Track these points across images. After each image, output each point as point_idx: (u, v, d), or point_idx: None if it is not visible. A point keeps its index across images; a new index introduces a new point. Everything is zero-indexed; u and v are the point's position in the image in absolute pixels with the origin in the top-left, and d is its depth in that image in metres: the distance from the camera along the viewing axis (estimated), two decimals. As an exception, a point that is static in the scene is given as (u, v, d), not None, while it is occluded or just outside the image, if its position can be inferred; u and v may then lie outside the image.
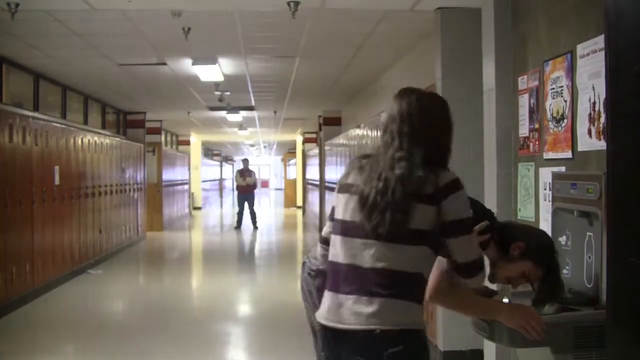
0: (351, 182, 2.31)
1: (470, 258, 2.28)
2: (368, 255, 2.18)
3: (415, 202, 2.16)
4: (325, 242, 2.48)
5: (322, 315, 2.28)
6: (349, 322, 2.17)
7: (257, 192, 18.09)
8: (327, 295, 2.29)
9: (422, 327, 2.22)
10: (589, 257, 2.87)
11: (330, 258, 2.33)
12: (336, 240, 2.30)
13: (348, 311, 2.18)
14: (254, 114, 14.78)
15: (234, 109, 13.47)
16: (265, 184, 47.88)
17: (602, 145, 2.96)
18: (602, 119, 2.98)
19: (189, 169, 21.13)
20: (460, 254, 2.26)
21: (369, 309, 2.15)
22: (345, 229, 2.26)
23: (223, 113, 14.18)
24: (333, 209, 2.39)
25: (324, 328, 2.26)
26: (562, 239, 3.08)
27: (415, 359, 2.19)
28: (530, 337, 2.47)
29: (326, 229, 2.51)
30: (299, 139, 21.96)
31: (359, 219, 2.21)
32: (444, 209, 2.18)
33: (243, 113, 14.57)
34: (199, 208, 23.95)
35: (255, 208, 16.70)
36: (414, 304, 2.19)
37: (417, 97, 2.33)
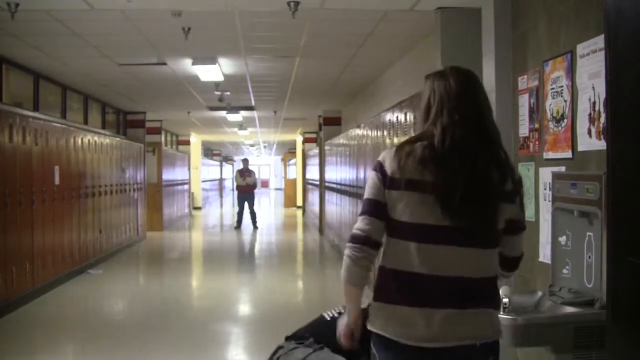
0: (418, 178, 2.04)
1: (522, 250, 2.28)
2: (468, 264, 2.04)
3: (501, 201, 2.06)
4: (373, 245, 2.12)
5: (424, 337, 2.02)
6: (473, 335, 2.03)
7: (257, 192, 18.09)
8: (415, 312, 2.04)
9: None
10: (589, 257, 2.87)
11: (398, 267, 2.08)
12: (410, 247, 2.05)
13: (470, 324, 2.02)
14: (254, 114, 14.78)
15: (234, 109, 13.47)
16: (265, 184, 47.88)
17: (602, 145, 2.96)
18: (602, 119, 2.98)
19: (189, 169, 21.13)
20: (520, 248, 2.26)
21: (491, 320, 2.08)
22: (426, 235, 2.03)
23: (223, 113, 14.18)
24: (384, 206, 2.09)
25: (425, 350, 2.02)
26: (562, 239, 3.08)
27: None
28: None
29: (374, 228, 2.11)
30: (299, 139, 21.95)
31: (448, 223, 2.01)
32: (517, 205, 2.13)
33: (243, 113, 14.57)
34: (199, 208, 23.95)
35: (255, 208, 16.69)
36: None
37: (472, 76, 2.17)
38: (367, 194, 2.13)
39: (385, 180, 2.08)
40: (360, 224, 2.11)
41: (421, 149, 2.04)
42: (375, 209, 2.09)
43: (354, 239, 2.10)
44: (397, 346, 2.05)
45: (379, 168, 2.10)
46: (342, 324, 2.23)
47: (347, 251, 2.12)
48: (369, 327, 2.13)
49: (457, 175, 2.00)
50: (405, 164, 2.04)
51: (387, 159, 2.09)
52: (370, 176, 2.14)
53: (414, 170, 2.03)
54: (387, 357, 2.09)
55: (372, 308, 2.13)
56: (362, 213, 2.12)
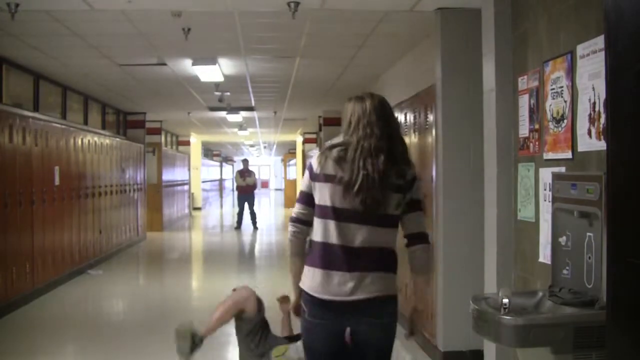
0: (332, 172, 2.73)
1: (425, 229, 2.84)
2: (366, 238, 2.70)
3: (392, 192, 2.71)
4: (303, 222, 2.85)
5: (337, 293, 2.70)
6: (369, 292, 2.69)
7: (257, 192, 18.08)
8: (329, 273, 2.72)
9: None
10: (589, 258, 2.87)
11: (319, 239, 2.76)
12: (329, 224, 2.72)
13: (371, 284, 2.69)
14: (254, 114, 14.78)
15: (234, 109, 13.46)
16: (265, 185, 47.88)
17: (602, 145, 2.96)
18: (602, 119, 2.98)
19: (189, 169, 21.13)
20: (421, 225, 2.81)
21: (387, 281, 2.75)
22: (339, 215, 2.71)
23: (223, 113, 14.18)
24: (311, 195, 2.80)
25: (329, 302, 2.71)
26: (562, 240, 3.08)
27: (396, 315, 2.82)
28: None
29: (304, 212, 2.85)
30: (299, 139, 21.95)
31: (351, 206, 2.69)
32: (412, 193, 2.77)
33: (243, 113, 14.56)
34: (199, 208, 23.95)
35: (255, 208, 16.69)
36: (394, 274, 2.79)
37: (383, 101, 2.86)
38: (301, 186, 2.87)
39: (312, 175, 2.79)
40: (295, 209, 2.86)
41: (337, 152, 2.75)
42: (304, 197, 2.83)
43: (291, 219, 2.86)
44: (315, 300, 2.73)
45: (309, 166, 2.82)
46: (291, 305, 2.98)
47: (288, 229, 2.87)
48: (300, 285, 2.82)
49: (359, 172, 2.66)
50: (325, 163, 2.75)
51: (313, 159, 2.81)
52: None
53: (330, 168, 2.73)
54: (311, 309, 2.77)
55: (304, 271, 2.82)
56: (297, 201, 2.87)
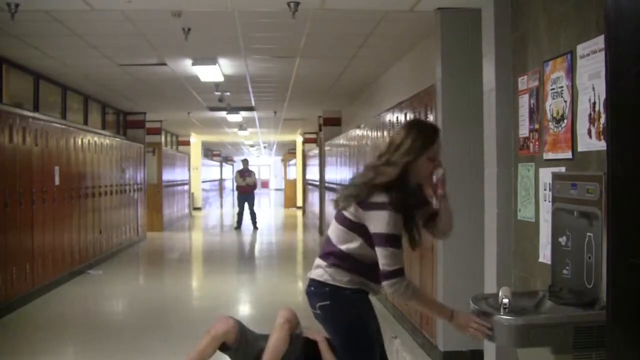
0: None
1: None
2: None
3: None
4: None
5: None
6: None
7: (257, 192, 18.08)
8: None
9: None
10: (589, 258, 2.87)
11: (371, 262, 2.97)
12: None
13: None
14: (254, 114, 14.78)
15: (234, 110, 13.47)
16: (265, 185, 47.88)
17: (602, 145, 2.96)
18: (602, 119, 2.98)
19: (189, 170, 21.13)
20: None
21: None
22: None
23: (223, 113, 14.18)
24: None
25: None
26: (562, 240, 3.08)
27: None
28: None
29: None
30: (299, 139, 21.96)
31: None
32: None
33: (243, 113, 14.57)
34: (199, 208, 23.95)
35: (255, 208, 16.69)
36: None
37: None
38: (393, 230, 2.84)
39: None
40: (398, 257, 2.83)
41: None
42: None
43: (398, 272, 2.82)
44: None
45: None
46: (461, 327, 2.81)
47: (397, 286, 2.83)
48: (346, 285, 2.99)
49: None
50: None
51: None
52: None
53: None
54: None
55: (346, 277, 3.00)
56: (398, 247, 2.85)
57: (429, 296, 3.02)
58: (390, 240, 2.81)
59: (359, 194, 2.90)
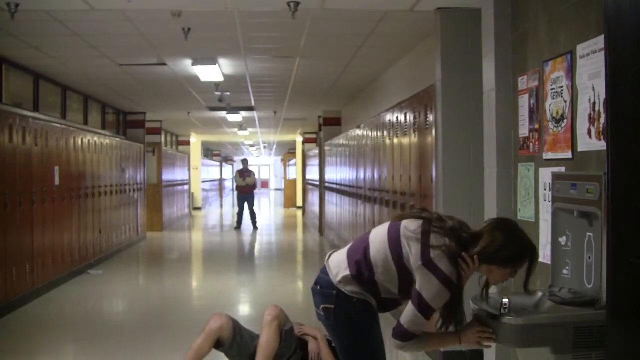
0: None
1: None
2: None
3: None
4: None
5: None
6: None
7: (257, 192, 18.07)
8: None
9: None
10: (589, 258, 2.87)
11: (388, 297, 3.08)
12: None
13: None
14: (254, 114, 14.78)
15: (234, 109, 13.46)
16: (265, 185, 47.87)
17: (602, 145, 2.96)
18: (602, 120, 2.98)
19: (189, 170, 21.13)
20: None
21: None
22: None
23: (223, 113, 14.18)
24: None
25: None
26: (562, 240, 3.08)
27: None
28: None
29: None
30: (299, 139, 21.95)
31: None
32: None
33: (243, 113, 14.57)
34: (199, 208, 23.95)
35: (255, 208, 16.68)
36: None
37: None
38: (436, 303, 2.79)
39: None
40: (419, 326, 2.83)
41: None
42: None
43: (410, 335, 2.83)
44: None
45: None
46: (471, 342, 2.84)
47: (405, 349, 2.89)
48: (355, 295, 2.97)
49: None
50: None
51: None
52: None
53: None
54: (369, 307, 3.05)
55: (356, 289, 2.97)
56: (428, 317, 2.82)
57: (432, 336, 2.90)
58: (425, 309, 2.78)
59: (449, 249, 2.76)
